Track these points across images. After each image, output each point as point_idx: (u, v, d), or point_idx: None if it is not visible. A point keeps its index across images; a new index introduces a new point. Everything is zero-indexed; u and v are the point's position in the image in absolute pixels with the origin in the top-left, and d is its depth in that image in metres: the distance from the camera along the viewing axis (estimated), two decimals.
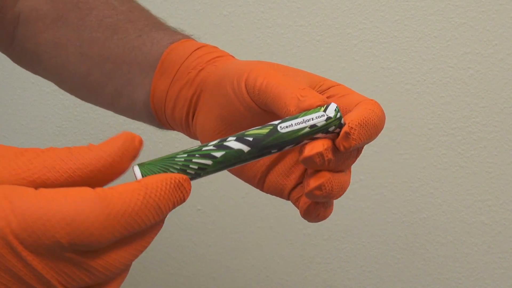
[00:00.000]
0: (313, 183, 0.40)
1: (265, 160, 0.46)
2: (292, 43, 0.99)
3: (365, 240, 1.03)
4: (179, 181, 0.34)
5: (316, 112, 0.38)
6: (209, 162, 0.36)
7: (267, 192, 0.46)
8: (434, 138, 0.99)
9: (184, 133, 0.52)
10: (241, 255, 1.06)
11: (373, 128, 0.40)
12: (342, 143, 0.39)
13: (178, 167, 0.35)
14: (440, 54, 0.96)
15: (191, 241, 1.07)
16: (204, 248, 1.07)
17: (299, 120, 0.38)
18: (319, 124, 0.38)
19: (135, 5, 0.58)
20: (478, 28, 0.95)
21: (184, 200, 0.34)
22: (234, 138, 0.37)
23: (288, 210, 1.03)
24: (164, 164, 0.35)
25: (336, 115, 0.38)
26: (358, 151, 0.42)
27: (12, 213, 0.30)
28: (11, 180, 0.31)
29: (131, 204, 0.31)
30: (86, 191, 0.31)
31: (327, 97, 0.44)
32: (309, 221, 0.44)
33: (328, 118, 0.38)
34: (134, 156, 0.34)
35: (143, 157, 0.35)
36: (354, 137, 0.38)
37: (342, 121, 0.38)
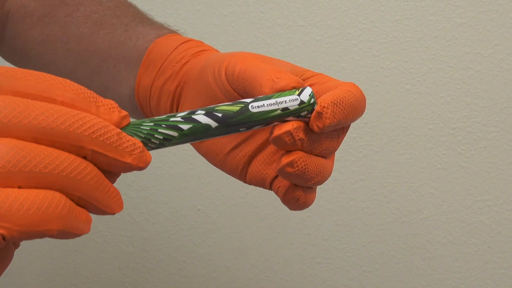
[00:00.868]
0: (284, 159, 0.39)
1: (247, 151, 0.45)
2: (292, 43, 0.99)
3: (365, 240, 1.03)
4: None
5: (290, 95, 0.37)
6: (175, 133, 0.35)
7: (250, 183, 0.46)
8: (434, 138, 0.99)
9: None
10: (241, 255, 1.06)
11: (349, 107, 0.39)
12: (315, 123, 0.38)
13: (142, 135, 0.34)
14: (440, 54, 0.96)
15: (191, 241, 1.07)
16: (204, 248, 1.06)
17: (272, 101, 0.37)
18: (291, 108, 0.37)
19: (123, 1, 0.58)
20: (478, 28, 0.95)
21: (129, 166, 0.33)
22: (203, 112, 0.36)
23: (288, 210, 1.03)
24: (130, 130, 0.34)
25: (310, 100, 0.38)
26: (338, 135, 0.41)
27: None
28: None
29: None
30: None
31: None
32: (290, 207, 0.43)
33: (302, 102, 0.37)
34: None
35: None
36: (327, 115, 0.38)
37: (315, 107, 0.38)
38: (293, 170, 0.40)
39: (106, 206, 0.32)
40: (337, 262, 1.04)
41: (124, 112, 0.33)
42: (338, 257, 1.04)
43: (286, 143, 0.39)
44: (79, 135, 0.30)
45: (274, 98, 0.37)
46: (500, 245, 1.01)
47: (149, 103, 0.51)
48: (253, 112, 0.37)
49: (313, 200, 0.43)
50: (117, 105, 0.33)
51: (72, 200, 0.31)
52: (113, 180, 0.33)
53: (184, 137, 0.35)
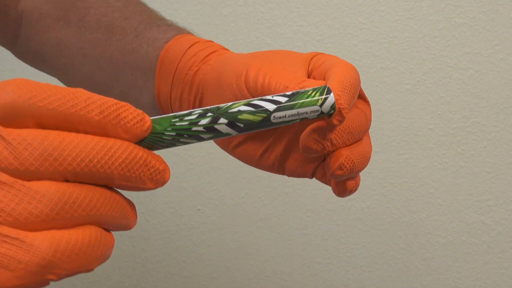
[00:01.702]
0: (332, 165, 0.41)
1: (277, 152, 0.46)
2: (292, 43, 0.99)
3: (365, 240, 1.03)
4: (134, 108, 0.32)
5: (312, 105, 0.38)
6: (195, 141, 0.36)
7: (290, 177, 0.47)
8: (434, 138, 0.99)
9: None
10: (241, 255, 1.06)
11: (353, 87, 0.40)
12: (334, 119, 0.39)
13: (164, 145, 0.35)
14: (440, 54, 0.96)
15: (191, 241, 1.07)
16: (204, 248, 1.06)
17: (294, 112, 0.37)
18: (310, 117, 0.38)
19: None
20: (478, 28, 0.95)
21: (141, 126, 0.33)
22: (226, 121, 0.36)
23: (288, 210, 1.03)
24: (152, 139, 0.34)
25: (330, 111, 0.38)
26: (363, 112, 0.43)
27: None
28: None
29: (63, 89, 0.30)
30: (20, 78, 0.30)
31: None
32: (342, 196, 0.44)
33: (321, 113, 0.38)
34: None
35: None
36: (343, 106, 0.39)
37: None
38: (343, 171, 0.41)
39: (126, 226, 0.33)
40: (337, 262, 1.04)
41: (148, 122, 0.33)
42: (338, 257, 1.04)
43: (317, 150, 0.40)
44: (109, 174, 0.31)
45: (296, 108, 0.37)
46: (500, 245, 1.01)
47: (172, 111, 0.52)
48: (274, 122, 0.37)
49: (359, 181, 0.44)
50: (140, 113, 0.33)
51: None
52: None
53: (202, 142, 0.37)
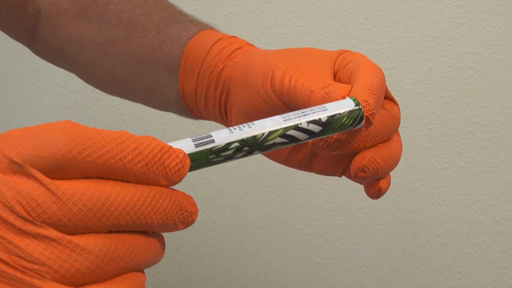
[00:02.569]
0: (355, 167, 0.41)
1: (304, 152, 0.46)
2: (292, 43, 0.99)
3: (365, 240, 1.03)
4: (177, 151, 0.32)
5: (343, 128, 0.38)
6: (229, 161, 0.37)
7: (318, 174, 0.47)
8: (434, 138, 0.99)
9: (222, 124, 0.52)
10: (241, 255, 1.06)
11: (380, 92, 0.40)
12: (364, 126, 0.39)
13: (201, 167, 0.35)
14: (440, 54, 0.96)
15: (191, 241, 1.07)
16: (204, 248, 1.07)
17: (329, 133, 0.38)
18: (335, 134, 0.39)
19: None
20: (478, 28, 0.95)
21: (179, 172, 0.32)
22: (260, 152, 0.37)
23: (288, 210, 1.03)
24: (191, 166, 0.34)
25: (359, 124, 0.39)
26: (389, 113, 0.43)
27: None
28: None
29: (105, 133, 0.30)
30: (65, 120, 0.30)
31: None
32: (373, 198, 0.44)
33: (351, 126, 0.39)
34: None
35: None
36: (371, 113, 0.39)
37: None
38: (365, 174, 0.41)
39: (156, 263, 0.34)
40: (337, 262, 1.04)
41: (187, 168, 0.33)
42: (338, 257, 1.04)
43: (339, 151, 0.41)
44: (150, 223, 0.31)
45: (328, 133, 0.38)
46: (500, 245, 1.01)
47: (197, 108, 0.52)
48: (304, 142, 0.38)
49: (390, 180, 0.44)
50: (182, 158, 0.32)
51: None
52: None
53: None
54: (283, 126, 0.37)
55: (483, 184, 0.99)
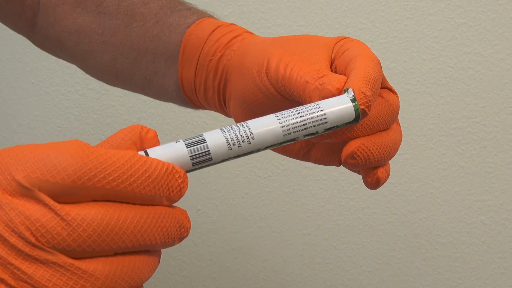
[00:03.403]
0: (344, 153, 0.40)
1: (302, 141, 0.46)
2: None
3: (365, 240, 1.03)
4: (178, 171, 0.32)
5: (342, 127, 0.38)
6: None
7: (316, 164, 0.47)
8: (434, 138, 0.99)
9: (222, 114, 0.52)
10: (241, 255, 1.06)
11: (376, 83, 0.40)
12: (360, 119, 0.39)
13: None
14: (440, 54, 0.96)
15: (191, 241, 1.07)
16: (204, 248, 1.06)
17: (328, 131, 0.38)
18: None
19: None
20: (478, 28, 0.95)
21: (180, 192, 0.32)
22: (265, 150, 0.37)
23: (288, 210, 1.03)
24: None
25: (355, 121, 0.39)
26: (386, 102, 0.42)
27: None
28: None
29: (116, 156, 0.29)
30: (75, 140, 0.29)
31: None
32: (372, 188, 0.44)
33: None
34: (139, 141, 0.32)
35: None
36: (367, 105, 0.39)
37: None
38: (355, 161, 0.40)
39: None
40: (337, 262, 1.04)
41: (186, 187, 0.33)
42: (338, 257, 1.04)
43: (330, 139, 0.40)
44: (153, 243, 0.31)
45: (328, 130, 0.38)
46: (500, 245, 1.01)
47: (197, 97, 0.52)
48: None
49: (389, 170, 0.43)
50: (184, 178, 0.32)
51: None
52: None
53: None
54: (282, 141, 0.36)
55: (483, 184, 0.99)
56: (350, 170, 0.43)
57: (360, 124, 0.40)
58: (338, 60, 0.43)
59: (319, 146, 0.46)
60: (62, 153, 0.28)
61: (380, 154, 0.41)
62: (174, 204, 0.33)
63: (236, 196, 1.04)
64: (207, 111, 1.02)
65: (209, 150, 0.34)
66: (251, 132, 0.35)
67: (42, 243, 0.28)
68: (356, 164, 0.40)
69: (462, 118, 0.98)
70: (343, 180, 1.02)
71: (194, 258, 1.07)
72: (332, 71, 0.43)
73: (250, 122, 0.36)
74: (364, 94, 0.38)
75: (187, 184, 0.32)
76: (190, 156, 0.34)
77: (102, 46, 0.55)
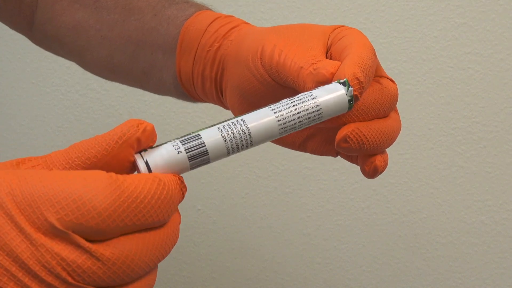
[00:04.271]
0: (337, 136, 0.40)
1: (298, 132, 0.46)
2: None
3: (365, 240, 1.03)
4: (182, 180, 0.33)
5: (335, 115, 0.38)
6: None
7: (313, 154, 0.47)
8: (434, 138, 0.99)
9: (220, 106, 0.52)
10: (241, 255, 1.06)
11: (369, 71, 0.40)
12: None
13: None
14: (440, 54, 0.96)
15: (191, 241, 1.07)
16: (204, 248, 1.07)
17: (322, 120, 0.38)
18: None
19: None
20: (478, 28, 0.95)
21: (182, 197, 0.33)
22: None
23: (288, 210, 1.03)
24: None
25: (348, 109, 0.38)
26: (384, 88, 0.42)
27: (19, 188, 0.28)
28: None
29: (144, 190, 0.30)
30: (98, 172, 0.29)
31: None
32: (369, 177, 0.43)
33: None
34: (136, 143, 0.32)
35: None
36: (359, 92, 0.38)
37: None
38: (348, 144, 0.40)
39: None
40: (337, 262, 1.04)
41: (185, 189, 0.33)
42: (338, 257, 1.04)
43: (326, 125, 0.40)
44: (157, 262, 0.32)
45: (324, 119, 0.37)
46: (500, 245, 1.01)
47: (195, 89, 0.52)
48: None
49: (387, 159, 0.43)
50: (185, 190, 0.33)
51: None
52: None
53: None
54: (278, 137, 0.36)
55: (483, 184, 0.99)
56: (346, 158, 0.43)
57: (356, 109, 0.40)
58: (333, 47, 0.43)
59: (316, 136, 0.46)
60: (94, 194, 0.29)
61: (374, 140, 0.40)
62: None
63: (236, 196, 1.04)
64: (206, 110, 1.02)
65: (209, 159, 0.34)
66: (250, 137, 0.35)
67: (78, 281, 0.29)
68: (349, 148, 0.40)
69: (462, 118, 0.98)
70: (343, 180, 1.02)
71: (194, 258, 1.07)
72: (327, 58, 0.43)
73: (247, 120, 0.35)
74: (358, 79, 0.38)
75: (186, 188, 0.33)
76: (189, 162, 0.34)
77: (100, 41, 0.55)
